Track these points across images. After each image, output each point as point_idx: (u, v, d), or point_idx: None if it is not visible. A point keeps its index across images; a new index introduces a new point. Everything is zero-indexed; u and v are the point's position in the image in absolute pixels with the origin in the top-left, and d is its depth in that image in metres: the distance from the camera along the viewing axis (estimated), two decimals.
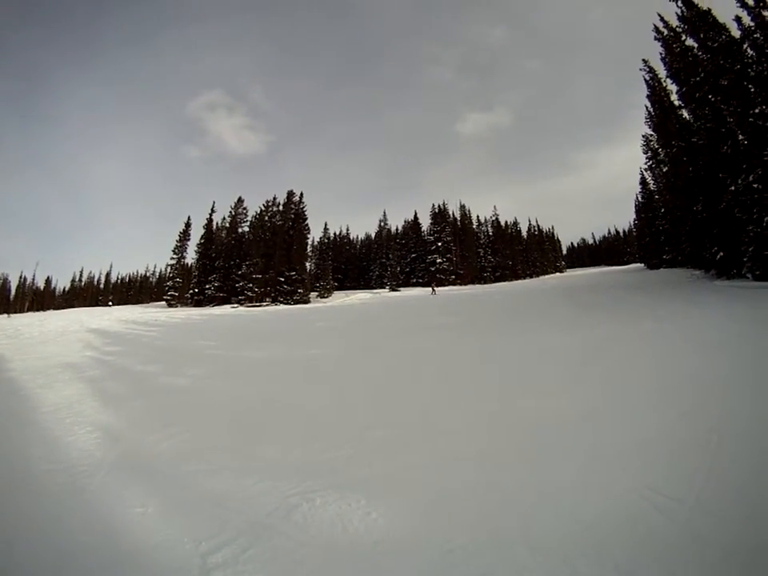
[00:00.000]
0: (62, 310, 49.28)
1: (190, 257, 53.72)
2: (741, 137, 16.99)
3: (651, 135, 34.79)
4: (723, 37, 18.13)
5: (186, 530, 2.85)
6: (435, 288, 42.72)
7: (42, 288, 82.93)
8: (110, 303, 54.91)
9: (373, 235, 75.88)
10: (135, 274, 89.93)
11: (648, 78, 29.31)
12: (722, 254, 18.61)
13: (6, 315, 42.70)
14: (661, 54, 23.69)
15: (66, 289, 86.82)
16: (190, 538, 2.75)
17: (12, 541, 2.90)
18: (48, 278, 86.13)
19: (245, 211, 53.85)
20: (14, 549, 2.82)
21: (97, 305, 66.09)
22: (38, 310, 61.29)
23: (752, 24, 17.08)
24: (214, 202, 54.33)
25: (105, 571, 2.55)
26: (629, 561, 2.24)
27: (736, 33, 17.86)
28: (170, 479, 3.74)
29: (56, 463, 4.22)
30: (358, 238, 78.97)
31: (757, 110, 15.82)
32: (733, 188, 17.02)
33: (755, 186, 15.64)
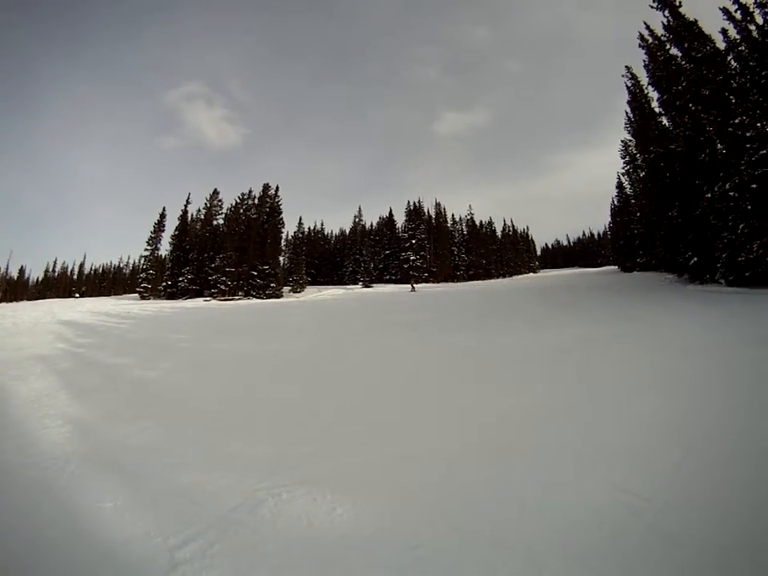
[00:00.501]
0: (35, 301, 48.09)
1: (164, 248, 52.60)
2: (719, 146, 17.24)
3: (630, 140, 35.44)
4: (708, 48, 18.40)
5: (155, 525, 2.84)
6: (414, 285, 42.53)
7: (15, 278, 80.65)
8: (77, 295, 53.50)
9: (347, 231, 75.83)
10: (109, 264, 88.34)
11: (630, 85, 29.76)
12: (695, 259, 18.99)
13: None
14: (644, 61, 23.99)
15: (40, 279, 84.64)
16: (158, 533, 2.74)
17: None
18: (22, 267, 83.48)
19: (220, 203, 52.78)
20: None
21: (70, 296, 64.58)
22: (11, 301, 59.52)
23: (738, 37, 17.35)
24: (189, 194, 53.05)
25: (74, 566, 2.53)
26: (596, 558, 2.27)
27: (721, 45, 18.18)
28: (139, 473, 3.70)
29: (26, 456, 4.17)
30: (332, 233, 78.88)
31: (737, 121, 16.08)
32: (709, 195, 17.34)
33: (731, 194, 15.92)
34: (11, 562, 2.61)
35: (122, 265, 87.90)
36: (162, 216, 52.25)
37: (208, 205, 52.89)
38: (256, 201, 51.08)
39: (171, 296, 46.59)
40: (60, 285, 79.87)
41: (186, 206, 52.51)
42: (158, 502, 3.17)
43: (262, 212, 50.45)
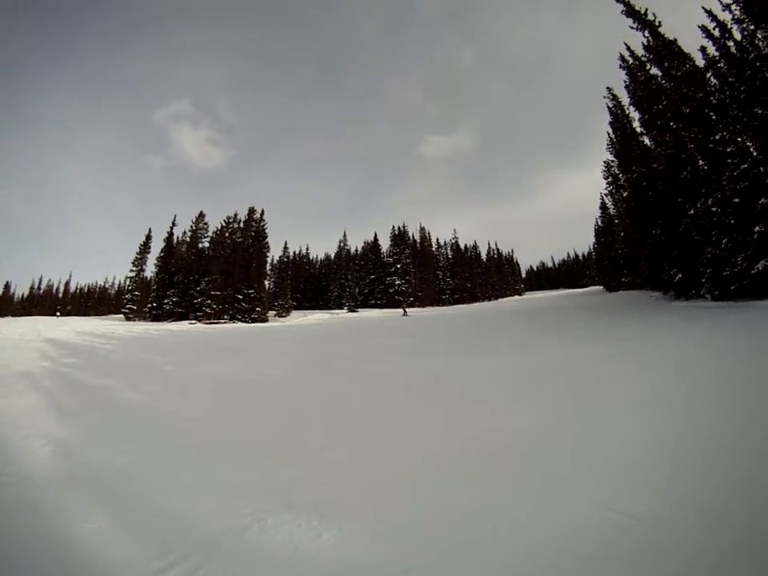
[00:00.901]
0: (19, 318, 47.48)
1: (150, 270, 52.27)
2: (701, 162, 17.53)
3: (612, 161, 35.94)
4: (687, 66, 18.72)
5: (138, 548, 2.79)
6: (407, 309, 42.17)
7: (0, 294, 79.73)
8: (58, 314, 52.84)
9: (332, 255, 76.26)
10: (95, 284, 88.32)
11: (611, 106, 30.19)
12: (680, 275, 19.10)
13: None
14: (625, 81, 24.34)
15: (25, 295, 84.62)
16: (141, 557, 2.69)
17: None
18: (7, 283, 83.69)
19: (206, 226, 52.82)
20: None
21: (55, 314, 63.98)
22: None
23: (716, 54, 17.71)
24: (175, 216, 53.11)
25: None
26: None
27: (700, 62, 18.50)
28: (122, 496, 3.64)
29: (8, 476, 4.10)
30: (317, 257, 79.32)
31: (717, 137, 16.32)
32: (692, 212, 17.50)
33: (714, 209, 16.07)
34: None
35: (107, 285, 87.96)
36: (148, 237, 52.05)
37: (194, 227, 52.96)
38: (241, 224, 51.12)
39: (156, 318, 46.16)
40: (45, 302, 79.91)
41: (171, 228, 52.37)
42: (141, 526, 3.12)
43: (247, 236, 50.50)
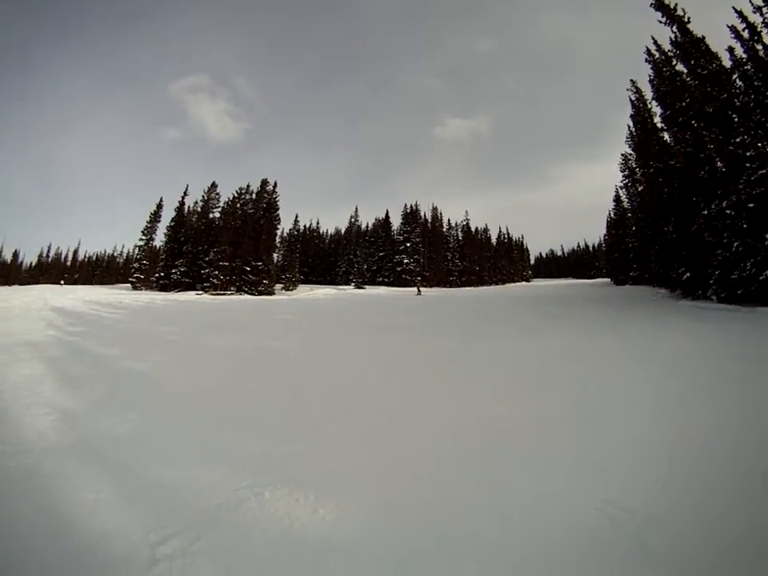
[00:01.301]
0: (27, 286, 47.71)
1: (159, 239, 52.03)
2: (719, 164, 17.28)
3: (630, 154, 35.51)
4: (714, 65, 18.40)
5: (137, 519, 2.83)
6: (420, 289, 41.66)
7: (8, 262, 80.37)
8: (62, 282, 53.14)
9: (343, 231, 75.79)
10: (103, 253, 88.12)
11: (634, 99, 29.78)
12: (688, 274, 19.04)
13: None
14: (650, 76, 24.01)
15: (33, 264, 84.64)
16: (139, 527, 2.74)
17: None
18: (15, 251, 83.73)
19: (217, 197, 52.33)
20: None
21: (59, 282, 64.20)
22: (3, 285, 59.05)
23: (744, 56, 17.37)
24: (187, 185, 52.92)
25: (52, 557, 2.51)
26: (578, 570, 2.29)
27: (727, 63, 18.16)
28: (123, 466, 3.67)
29: (10, 445, 4.13)
30: (327, 232, 78.94)
31: (738, 139, 16.13)
32: (705, 212, 17.39)
33: (728, 212, 15.97)
34: None
35: (115, 254, 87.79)
36: (159, 206, 51.78)
37: (205, 198, 52.54)
38: (254, 196, 50.82)
39: (163, 288, 46.16)
40: (53, 271, 79.70)
41: (183, 198, 52.09)
42: (140, 497, 3.16)
43: (258, 207, 50.22)
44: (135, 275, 48.53)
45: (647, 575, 2.25)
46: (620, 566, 2.31)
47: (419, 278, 57.27)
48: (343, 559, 2.43)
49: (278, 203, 51.63)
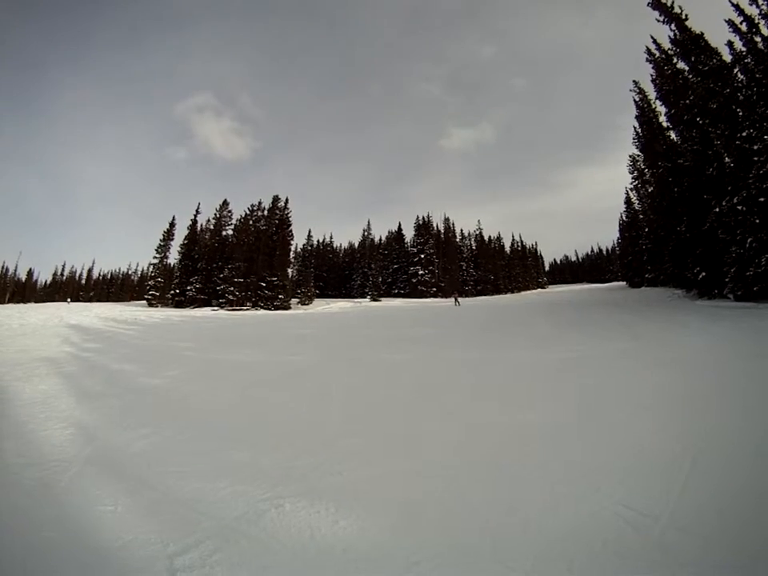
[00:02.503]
0: (42, 304, 48.43)
1: (173, 257, 52.72)
2: (727, 159, 17.21)
3: (638, 155, 35.31)
4: (714, 61, 18.37)
5: (155, 531, 2.83)
6: (458, 299, 39.58)
7: (23, 280, 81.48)
8: (69, 300, 53.83)
9: (356, 244, 76.06)
10: (117, 271, 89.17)
11: (638, 99, 29.71)
12: (704, 274, 18.79)
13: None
14: (651, 75, 23.97)
15: (48, 282, 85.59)
16: (158, 539, 2.73)
17: None
18: (30, 269, 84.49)
19: (230, 214, 53.08)
20: None
21: (78, 300, 64.99)
22: (19, 302, 60.03)
23: (743, 49, 17.34)
24: (199, 203, 53.53)
25: (71, 568, 2.53)
26: (598, 574, 2.27)
27: (727, 57, 18.13)
28: (141, 479, 3.69)
29: (28, 458, 4.19)
30: (341, 246, 79.27)
31: (744, 134, 16.03)
32: (717, 209, 17.25)
33: (739, 207, 15.82)
34: (9, 561, 2.61)
35: (130, 272, 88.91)
36: (172, 225, 52.44)
37: (218, 215, 53.20)
38: (265, 212, 51.33)
39: (179, 304, 46.69)
40: (68, 288, 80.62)
41: (195, 216, 52.90)
42: (158, 509, 3.17)
43: (271, 223, 50.68)
44: (150, 292, 48.97)
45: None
46: (640, 568, 2.29)
47: (423, 288, 56.92)
48: (365, 570, 2.43)
49: (291, 219, 52.10)
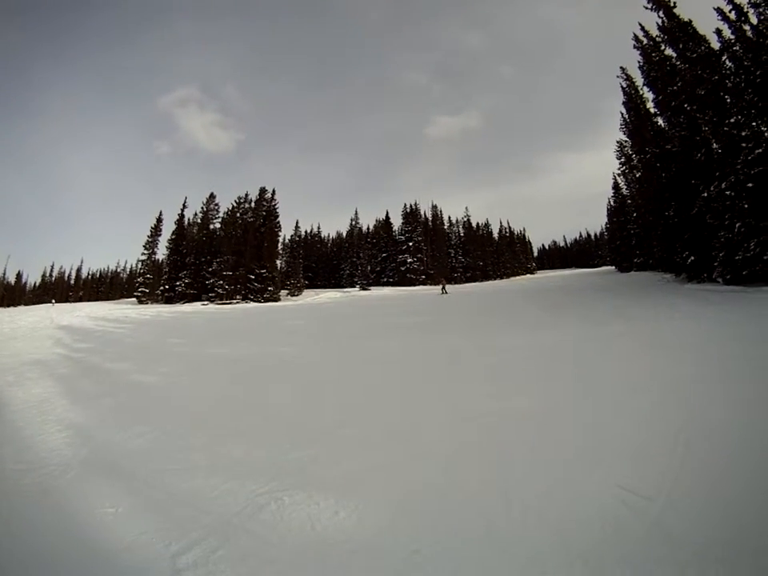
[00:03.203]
0: (32, 306, 48.09)
1: (162, 253, 52.78)
2: (715, 145, 17.33)
3: (626, 141, 35.39)
4: (703, 48, 18.42)
5: (156, 531, 2.82)
6: (445, 286, 36.88)
7: (12, 283, 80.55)
8: (53, 301, 53.53)
9: (344, 234, 75.69)
10: (106, 269, 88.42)
11: (625, 86, 29.63)
12: (692, 258, 18.99)
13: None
14: (639, 62, 23.95)
15: (37, 284, 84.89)
16: (159, 539, 2.73)
17: None
18: (19, 272, 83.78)
19: (216, 207, 52.85)
20: None
21: (66, 301, 64.41)
22: (8, 306, 59.38)
23: (732, 37, 17.38)
24: (186, 198, 53.38)
25: (74, 572, 2.53)
26: (598, 558, 2.25)
27: (716, 45, 18.19)
28: (139, 479, 3.68)
29: (24, 462, 4.17)
30: (329, 236, 78.85)
31: (732, 120, 16.11)
32: (705, 194, 17.38)
33: (728, 193, 15.93)
34: (9, 566, 2.61)
35: (119, 269, 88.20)
36: (159, 220, 52.42)
37: (204, 209, 52.98)
38: (252, 204, 50.99)
39: (169, 300, 46.62)
40: (57, 289, 79.85)
41: (182, 210, 52.61)
42: (158, 508, 3.17)
43: (258, 216, 50.39)
44: (140, 289, 49.06)
45: (666, 556, 2.23)
46: (639, 549, 2.30)
47: (417, 277, 56.56)
48: (367, 560, 2.43)
49: (278, 210, 51.86)
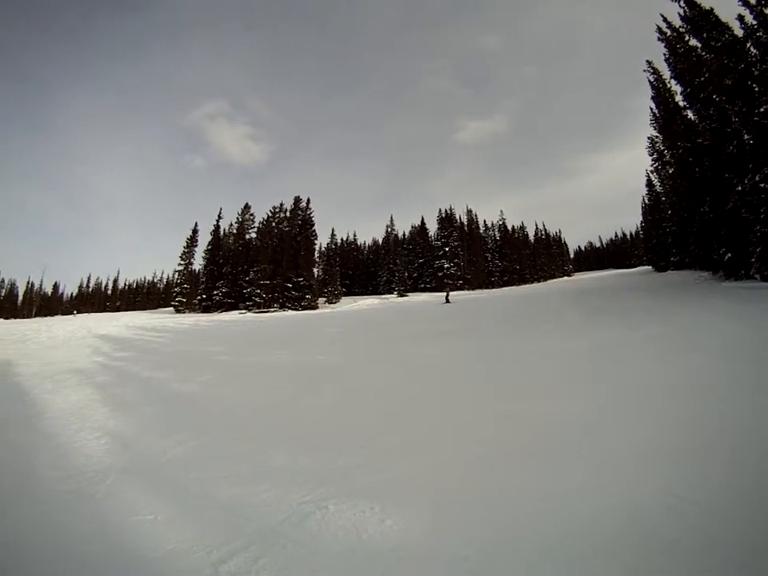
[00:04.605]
0: (68, 316, 49.66)
1: (198, 263, 54.06)
2: (746, 136, 16.92)
3: (656, 137, 34.69)
4: (726, 36, 18.11)
5: (197, 538, 2.80)
6: (449, 294, 35.36)
7: (49, 293, 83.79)
8: (75, 312, 55.21)
9: (380, 241, 76.28)
10: (143, 280, 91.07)
11: (652, 80, 29.16)
12: (729, 255, 18.50)
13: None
14: (665, 54, 23.64)
15: (74, 294, 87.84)
16: (200, 547, 2.70)
17: (14, 547, 2.87)
18: (56, 283, 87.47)
19: (252, 217, 54.21)
20: (16, 555, 2.79)
21: (104, 311, 66.50)
22: (45, 315, 61.68)
23: (754, 22, 17.02)
24: (221, 209, 54.58)
25: None
26: (642, 562, 2.23)
27: (739, 32, 17.84)
28: (180, 486, 3.69)
29: (63, 470, 4.18)
30: (365, 243, 79.53)
31: (762, 109, 15.74)
32: (739, 188, 16.95)
33: (762, 185, 15.55)
34: (49, 572, 2.61)
35: (155, 280, 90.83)
36: (195, 231, 53.76)
37: (240, 219, 54.40)
38: (288, 214, 52.01)
39: (206, 309, 47.60)
40: (94, 299, 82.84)
41: (218, 221, 53.96)
42: (200, 516, 3.15)
43: (294, 224, 51.34)
44: (177, 299, 50.09)
45: (710, 561, 2.18)
46: (683, 553, 2.26)
47: (455, 282, 55.94)
48: (415, 569, 2.38)
49: (313, 219, 52.85)
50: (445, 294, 36.76)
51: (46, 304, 77.40)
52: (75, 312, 56.32)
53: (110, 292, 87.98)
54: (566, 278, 77.00)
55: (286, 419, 5.51)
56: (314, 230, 52.67)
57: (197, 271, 54.79)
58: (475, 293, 50.74)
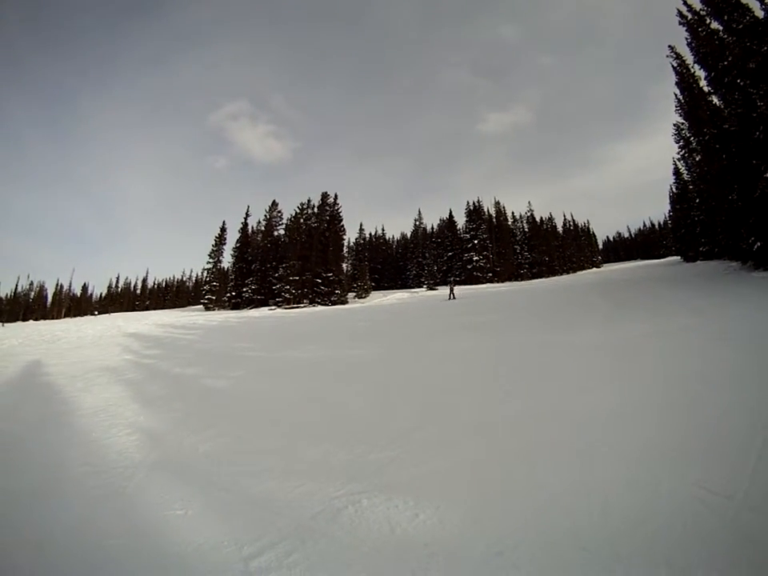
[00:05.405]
0: (98, 316, 51.05)
1: (227, 261, 54.98)
2: None
3: (682, 124, 33.94)
4: (748, 18, 17.72)
5: (228, 533, 2.83)
6: (454, 289, 31.84)
7: (78, 295, 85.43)
8: (96, 312, 56.56)
9: (408, 235, 76.44)
10: (172, 278, 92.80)
11: (675, 65, 28.44)
12: (759, 244, 17.98)
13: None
14: (687, 39, 23.08)
15: (103, 295, 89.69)
16: (231, 541, 2.73)
17: (45, 542, 2.92)
18: (85, 284, 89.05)
19: (279, 214, 54.98)
20: (45, 550, 2.84)
21: (134, 310, 68.11)
22: (75, 316, 63.39)
23: None
24: (248, 206, 55.51)
25: (140, 573, 2.56)
26: (680, 558, 2.20)
27: (759, 13, 17.50)
28: (211, 481, 3.69)
29: (93, 465, 4.22)
30: (393, 238, 79.74)
31: None
32: (766, 175, 16.59)
33: None
34: (78, 567, 2.66)
35: (184, 278, 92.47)
36: (223, 230, 54.69)
37: (267, 216, 55.20)
38: (315, 209, 52.22)
39: (236, 306, 48.42)
40: (123, 299, 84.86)
41: (245, 219, 55.04)
42: (231, 510, 3.16)
43: (322, 220, 51.58)
44: (207, 297, 51.12)
45: (744, 559, 2.18)
46: (719, 551, 2.24)
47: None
48: (450, 564, 2.38)
49: (341, 214, 53.14)
50: (449, 287, 32.20)
51: (75, 305, 78.95)
52: (96, 312, 57.48)
53: (138, 291, 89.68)
54: (594, 269, 75.81)
55: (317, 414, 5.52)
56: (342, 225, 52.98)
57: (226, 269, 55.48)
58: (505, 285, 50.23)
